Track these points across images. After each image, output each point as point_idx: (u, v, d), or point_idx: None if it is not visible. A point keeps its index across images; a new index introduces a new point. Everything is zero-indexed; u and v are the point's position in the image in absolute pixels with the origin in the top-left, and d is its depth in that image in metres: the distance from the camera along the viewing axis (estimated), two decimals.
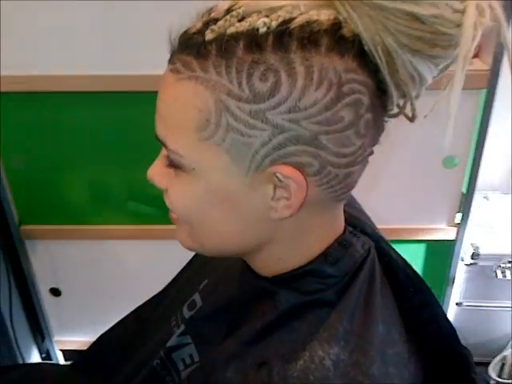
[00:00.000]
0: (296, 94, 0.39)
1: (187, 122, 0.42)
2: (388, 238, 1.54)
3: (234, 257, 0.53)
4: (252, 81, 0.39)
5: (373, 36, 0.39)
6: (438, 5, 0.37)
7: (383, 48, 0.39)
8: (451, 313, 1.75)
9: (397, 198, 1.51)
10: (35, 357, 1.84)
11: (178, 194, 0.47)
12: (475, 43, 0.38)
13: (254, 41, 0.39)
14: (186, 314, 0.63)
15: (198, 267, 0.71)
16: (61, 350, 1.90)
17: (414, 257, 1.65)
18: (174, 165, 0.46)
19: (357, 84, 0.40)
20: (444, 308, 1.70)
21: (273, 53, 0.38)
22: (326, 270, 0.48)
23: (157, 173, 0.49)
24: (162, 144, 0.46)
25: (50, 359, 1.89)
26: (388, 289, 0.52)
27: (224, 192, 0.43)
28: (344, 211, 0.57)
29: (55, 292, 1.77)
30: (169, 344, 0.60)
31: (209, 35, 0.40)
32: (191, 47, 0.41)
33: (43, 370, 1.04)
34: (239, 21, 0.40)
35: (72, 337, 1.87)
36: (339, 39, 0.39)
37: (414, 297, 0.53)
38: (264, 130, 0.40)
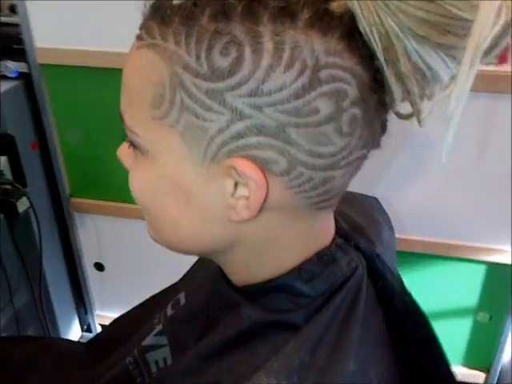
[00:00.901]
0: (260, 75, 0.33)
1: (143, 97, 0.37)
2: (446, 254, 1.44)
3: (201, 256, 0.47)
4: (212, 54, 0.33)
5: (369, 14, 0.32)
6: None
7: (381, 30, 0.32)
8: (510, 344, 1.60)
9: (460, 212, 1.39)
10: (76, 329, 1.88)
11: (135, 178, 0.42)
12: (494, 30, 0.29)
13: (221, 7, 0.33)
14: (169, 312, 0.57)
15: (199, 261, 0.66)
16: (100, 325, 1.93)
17: (473, 279, 1.51)
18: (132, 144, 0.41)
19: (340, 70, 0.33)
20: (504, 338, 1.55)
21: (240, 23, 0.32)
22: (299, 287, 0.41)
23: (125, 152, 0.44)
24: (121, 120, 0.40)
25: (91, 332, 1.93)
26: (378, 319, 0.44)
27: (178, 181, 0.38)
28: (344, 217, 0.49)
29: (99, 267, 1.80)
30: (144, 343, 0.55)
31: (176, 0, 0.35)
32: (157, 12, 0.36)
33: (58, 345, 1.04)
34: None
35: (112, 313, 1.90)
36: (324, 13, 0.33)
37: (413, 331, 0.45)
38: (221, 114, 0.34)
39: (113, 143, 1.50)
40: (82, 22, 1.34)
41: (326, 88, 0.33)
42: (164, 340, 0.54)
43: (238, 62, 0.32)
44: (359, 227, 0.50)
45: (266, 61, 0.32)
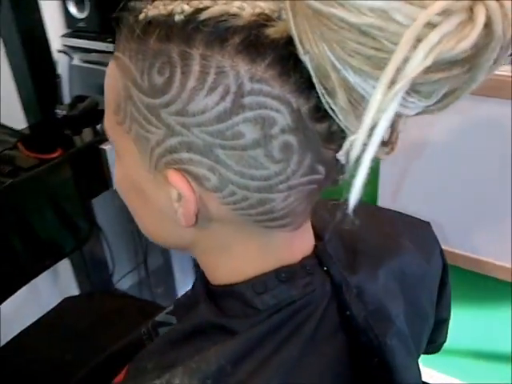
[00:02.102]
0: (185, 96, 0.34)
1: (109, 103, 0.40)
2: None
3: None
4: (152, 72, 0.35)
5: (306, 41, 0.31)
6: (383, 9, 0.27)
7: (319, 60, 0.31)
8: None
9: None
10: None
11: (116, 172, 0.46)
12: (416, 67, 0.27)
13: (166, 29, 0.35)
14: (180, 295, 0.62)
15: None
16: None
17: None
18: None
19: (267, 98, 0.33)
20: None
21: (177, 45, 0.34)
22: (250, 297, 0.42)
23: None
24: None
25: None
26: (335, 347, 0.42)
27: (136, 182, 0.41)
28: (348, 238, 0.49)
29: None
30: (157, 318, 0.60)
31: (141, 15, 0.37)
32: (124, 25, 0.38)
33: (143, 301, 1.14)
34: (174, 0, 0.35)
35: None
36: (255, 40, 0.33)
37: (378, 370, 0.44)
38: (159, 129, 0.36)
39: None
40: None
41: (249, 114, 0.33)
42: (173, 320, 0.58)
43: (169, 81, 0.34)
44: (356, 252, 0.49)
45: (191, 83, 0.33)
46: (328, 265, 0.45)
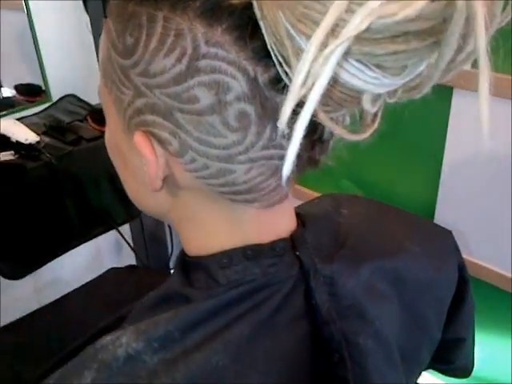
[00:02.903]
0: (147, 57, 0.35)
1: (100, 65, 0.41)
2: None
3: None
4: (125, 34, 0.36)
5: (264, 6, 0.30)
6: None
7: (274, 26, 0.30)
8: None
9: None
10: None
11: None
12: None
13: None
14: None
15: None
16: None
17: None
18: None
19: (222, 63, 0.33)
20: None
21: (146, 8, 0.35)
22: (214, 270, 0.41)
23: None
24: None
25: None
26: (296, 335, 0.39)
27: (117, 144, 0.41)
28: (342, 230, 0.47)
29: None
30: None
31: None
32: None
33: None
34: None
35: None
36: (215, 4, 0.32)
37: (338, 367, 0.41)
38: (129, 89, 0.37)
39: None
40: None
41: (204, 78, 0.33)
42: None
43: (136, 42, 0.35)
44: (343, 245, 0.46)
45: (153, 44, 0.34)
46: (300, 250, 0.42)
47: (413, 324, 0.50)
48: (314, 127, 0.36)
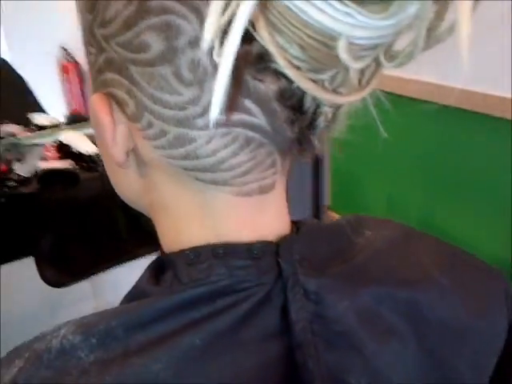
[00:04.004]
0: (103, 3, 0.31)
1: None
2: None
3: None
4: None
5: None
6: None
7: None
8: None
9: None
10: None
11: None
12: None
13: None
14: None
15: None
16: None
17: None
18: None
19: (173, 1, 0.29)
20: None
21: None
22: (179, 268, 0.35)
23: None
24: None
25: None
26: (258, 358, 0.32)
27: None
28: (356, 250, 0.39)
29: None
30: None
31: None
32: None
33: None
34: None
35: None
36: None
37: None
38: (93, 47, 0.34)
39: (376, 165, 1.51)
40: None
41: (154, 20, 0.29)
42: None
43: None
44: (346, 261, 0.38)
45: None
46: (282, 256, 0.35)
47: (438, 375, 0.40)
48: (293, 95, 0.31)
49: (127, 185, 0.39)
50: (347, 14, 0.24)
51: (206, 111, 0.30)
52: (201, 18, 0.28)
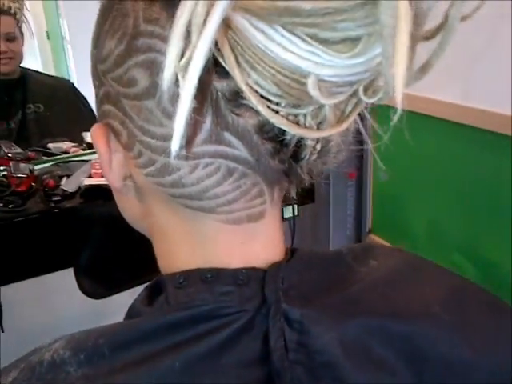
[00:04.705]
0: (101, 41, 0.34)
1: None
2: None
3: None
4: (95, 23, 0.36)
5: None
6: None
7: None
8: None
9: None
10: None
11: None
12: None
13: None
14: None
15: None
16: None
17: None
18: None
19: (157, 40, 0.31)
20: None
21: None
22: (169, 290, 0.36)
23: None
24: None
25: None
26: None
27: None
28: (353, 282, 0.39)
29: None
30: None
31: None
32: None
33: None
34: None
35: None
36: None
37: None
38: (96, 80, 0.37)
39: (418, 191, 1.48)
40: None
41: (141, 57, 0.31)
42: None
43: (98, 29, 0.35)
44: (338, 291, 0.38)
45: (105, 27, 0.34)
46: (268, 283, 0.36)
47: None
48: (272, 129, 0.32)
49: (129, 209, 0.42)
50: (312, 53, 0.25)
51: (188, 142, 0.32)
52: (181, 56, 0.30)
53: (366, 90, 0.30)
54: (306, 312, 0.35)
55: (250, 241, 0.37)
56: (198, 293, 0.36)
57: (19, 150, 1.32)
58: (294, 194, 0.39)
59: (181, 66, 0.26)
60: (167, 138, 0.32)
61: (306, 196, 1.39)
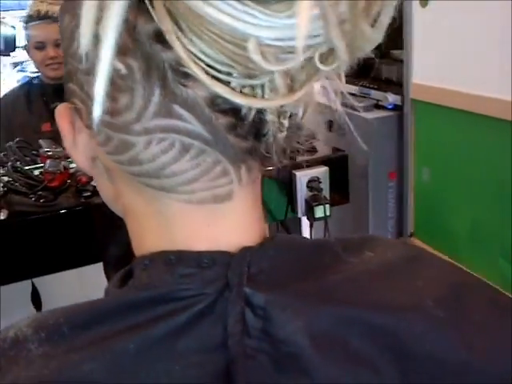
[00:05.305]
0: (62, 18, 0.34)
1: None
2: None
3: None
4: None
5: None
6: None
7: None
8: None
9: None
10: None
11: None
12: None
13: None
14: None
15: None
16: None
17: None
18: None
19: None
20: None
21: None
22: (136, 273, 0.35)
23: None
24: None
25: None
26: (192, 374, 0.32)
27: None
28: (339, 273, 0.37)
29: None
30: None
31: None
32: None
33: None
34: None
35: None
36: None
37: None
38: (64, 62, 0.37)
39: (460, 191, 1.42)
40: (457, 64, 1.31)
41: None
42: None
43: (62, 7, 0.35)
44: (314, 279, 0.35)
45: (67, 3, 0.34)
46: (233, 268, 0.34)
47: None
48: (225, 102, 0.30)
49: (104, 190, 0.41)
50: (249, 13, 0.24)
51: (140, 116, 0.31)
52: (127, 25, 0.29)
53: (326, 58, 0.28)
54: (272, 298, 0.34)
55: (216, 223, 0.36)
56: (159, 274, 0.35)
57: (60, 149, 1.37)
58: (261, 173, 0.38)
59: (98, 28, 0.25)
60: (120, 112, 0.32)
61: (340, 196, 1.35)
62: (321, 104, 0.35)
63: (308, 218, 1.28)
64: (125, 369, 0.32)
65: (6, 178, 1.15)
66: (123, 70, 0.30)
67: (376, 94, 1.62)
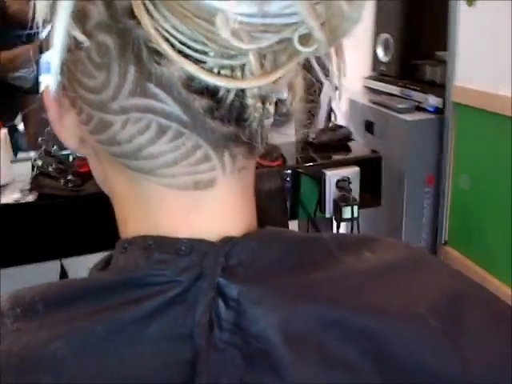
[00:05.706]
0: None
1: None
2: None
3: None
4: None
5: None
6: None
7: None
8: None
9: None
10: None
11: None
12: None
13: None
14: None
15: None
16: None
17: None
18: None
19: None
20: None
21: None
22: (115, 256, 0.35)
23: None
24: None
25: None
26: (168, 359, 0.30)
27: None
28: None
29: None
30: None
31: None
32: None
33: None
34: None
35: None
36: None
37: None
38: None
39: (500, 201, 1.35)
40: (503, 67, 1.25)
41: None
42: None
43: None
44: (295, 275, 0.34)
45: None
46: (209, 257, 0.33)
47: None
48: (201, 82, 0.29)
49: (94, 170, 0.41)
50: None
51: (116, 95, 0.30)
52: (106, 1, 0.29)
53: (307, 40, 0.27)
54: (246, 291, 0.32)
55: (198, 210, 0.35)
56: (136, 258, 0.34)
57: None
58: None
59: None
60: (98, 90, 0.31)
61: (372, 198, 1.32)
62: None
63: (335, 219, 1.25)
64: (90, 350, 0.32)
65: (39, 162, 1.18)
66: (99, 46, 0.29)
67: (418, 95, 1.57)
